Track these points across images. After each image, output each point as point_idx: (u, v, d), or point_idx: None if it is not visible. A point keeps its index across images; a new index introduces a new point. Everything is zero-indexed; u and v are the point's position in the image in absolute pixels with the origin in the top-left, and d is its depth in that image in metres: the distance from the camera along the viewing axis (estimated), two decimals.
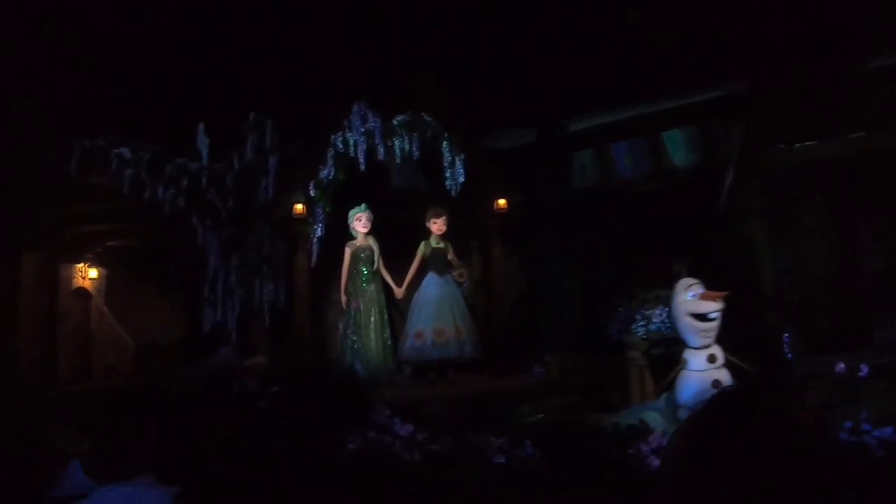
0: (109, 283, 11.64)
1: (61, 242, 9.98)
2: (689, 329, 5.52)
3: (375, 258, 6.67)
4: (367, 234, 6.76)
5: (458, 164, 6.93)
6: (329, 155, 6.77)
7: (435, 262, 6.66)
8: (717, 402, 1.10)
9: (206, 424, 4.55)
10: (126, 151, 6.87)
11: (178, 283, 12.06)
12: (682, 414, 5.15)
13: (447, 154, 6.90)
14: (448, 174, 6.88)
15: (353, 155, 6.72)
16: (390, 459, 4.10)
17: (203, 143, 7.05)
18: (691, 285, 5.56)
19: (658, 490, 1.08)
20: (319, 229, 6.56)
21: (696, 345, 5.50)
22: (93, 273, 11.14)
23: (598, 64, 7.75)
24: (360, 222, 6.63)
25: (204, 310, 7.05)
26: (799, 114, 6.80)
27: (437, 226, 6.74)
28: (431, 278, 6.60)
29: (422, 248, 6.74)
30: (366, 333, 6.42)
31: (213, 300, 6.99)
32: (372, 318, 6.50)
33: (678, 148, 8.58)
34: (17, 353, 9.30)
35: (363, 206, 6.72)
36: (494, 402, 5.63)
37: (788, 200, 7.05)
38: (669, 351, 6.08)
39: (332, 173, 6.78)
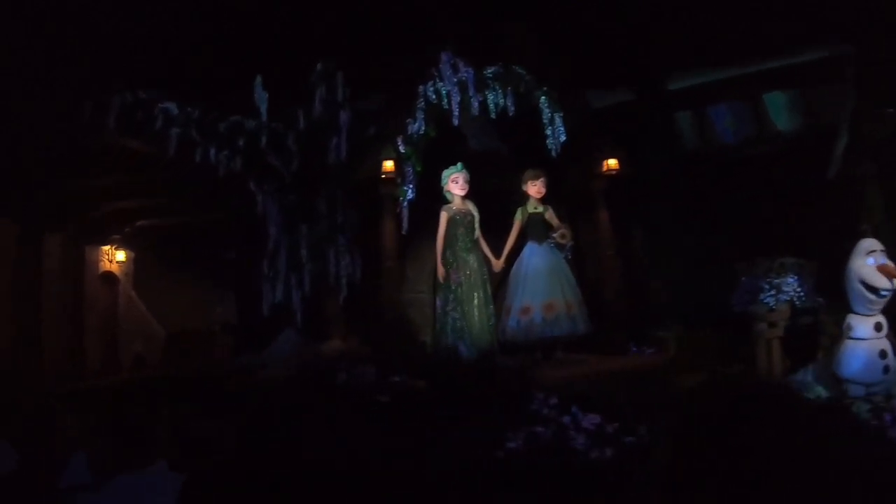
0: (138, 266, 10.31)
1: (87, 222, 8.62)
2: (858, 296, 4.53)
3: (476, 225, 5.54)
4: (465, 197, 5.55)
5: (558, 121, 5.67)
6: (418, 107, 5.46)
7: (534, 228, 5.69)
8: None
9: (306, 421, 3.28)
10: (172, 107, 5.51)
11: (219, 263, 10.87)
12: (854, 390, 4.22)
13: (546, 110, 5.64)
14: (549, 132, 5.61)
15: (445, 107, 5.41)
16: (573, 457, 2.89)
17: (261, 98, 5.70)
18: (872, 251, 4.42)
19: None
20: (410, 191, 5.38)
21: (864, 312, 4.41)
22: (120, 256, 9.79)
23: (698, 19, 6.57)
24: (456, 184, 5.59)
25: (261, 289, 5.74)
26: None
27: (535, 188, 5.73)
28: (532, 248, 5.61)
29: (519, 215, 5.75)
30: (469, 310, 5.34)
31: (274, 278, 5.68)
32: (476, 293, 5.41)
33: (780, 111, 7.44)
34: (40, 343, 7.96)
35: (459, 165, 5.62)
36: (634, 384, 4.41)
37: None
38: (797, 323, 5.33)
39: (423, 128, 5.48)
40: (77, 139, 5.82)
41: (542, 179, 5.80)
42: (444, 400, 3.50)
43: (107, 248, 9.70)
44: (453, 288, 5.49)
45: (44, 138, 6.02)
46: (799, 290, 5.40)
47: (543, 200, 5.91)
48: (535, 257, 5.61)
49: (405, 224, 5.50)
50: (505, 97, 5.68)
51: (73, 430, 3.78)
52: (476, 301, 5.42)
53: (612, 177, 6.05)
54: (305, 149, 5.67)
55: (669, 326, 5.86)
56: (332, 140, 5.63)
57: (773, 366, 5.24)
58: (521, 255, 5.73)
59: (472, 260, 5.60)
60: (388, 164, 5.49)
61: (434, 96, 5.49)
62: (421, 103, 5.50)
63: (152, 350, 10.30)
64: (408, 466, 2.99)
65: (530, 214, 5.84)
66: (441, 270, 5.60)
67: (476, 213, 5.71)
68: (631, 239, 6.30)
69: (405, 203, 5.49)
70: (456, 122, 5.55)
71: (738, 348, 5.58)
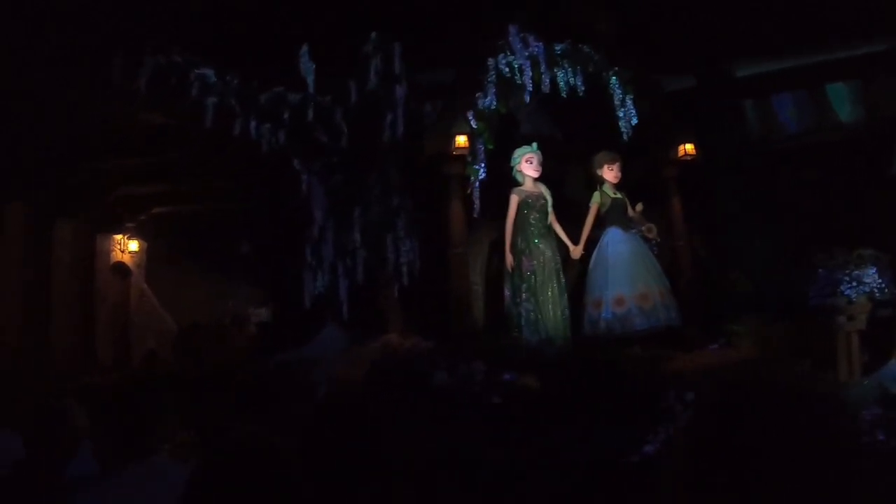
0: (150, 257, 9.53)
1: (101, 208, 7.85)
2: None
3: (549, 209, 5.00)
4: (537, 180, 5.00)
5: (630, 103, 5.06)
6: (489, 80, 4.81)
7: (615, 213, 5.12)
8: None
9: (408, 428, 2.63)
10: (210, 74, 4.79)
11: (232, 256, 10.12)
12: None
13: (617, 91, 5.05)
14: (620, 115, 5.02)
15: (518, 82, 4.78)
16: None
17: (308, 69, 4.99)
18: None
19: None
20: (482, 170, 4.75)
21: None
22: (133, 246, 9.01)
23: (764, 7, 6.08)
24: (530, 164, 5.00)
25: (298, 281, 5.02)
26: None
27: (612, 173, 5.17)
28: (616, 233, 5.04)
29: (597, 198, 5.16)
30: (543, 302, 4.76)
31: (317, 267, 4.96)
32: (550, 283, 4.83)
33: (843, 102, 6.94)
34: (49, 337, 7.16)
35: (534, 145, 5.03)
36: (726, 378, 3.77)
37: None
38: (875, 316, 4.82)
39: (494, 102, 4.83)
40: (101, 108, 5.05)
41: (618, 163, 5.17)
42: (566, 399, 2.82)
43: (119, 237, 8.94)
44: (525, 277, 4.87)
45: (61, 109, 5.25)
46: (879, 281, 4.89)
47: (619, 187, 5.28)
48: (621, 243, 4.99)
49: (477, 206, 4.86)
50: (574, 76, 5.05)
51: (84, 422, 3.20)
52: (550, 291, 4.78)
53: (686, 163, 5.41)
54: (358, 125, 4.96)
55: (745, 320, 5.25)
56: (387, 116, 4.92)
57: (852, 360, 4.70)
58: (601, 241, 5.08)
59: (545, 247, 4.96)
60: (461, 139, 4.80)
61: (507, 69, 4.83)
62: (492, 76, 4.83)
63: (164, 345, 9.53)
64: (543, 477, 2.32)
65: (612, 199, 5.17)
66: (509, 258, 4.95)
67: (549, 197, 5.05)
68: (703, 228, 5.66)
69: (476, 184, 4.82)
70: (528, 98, 4.91)
71: (816, 342, 4.99)
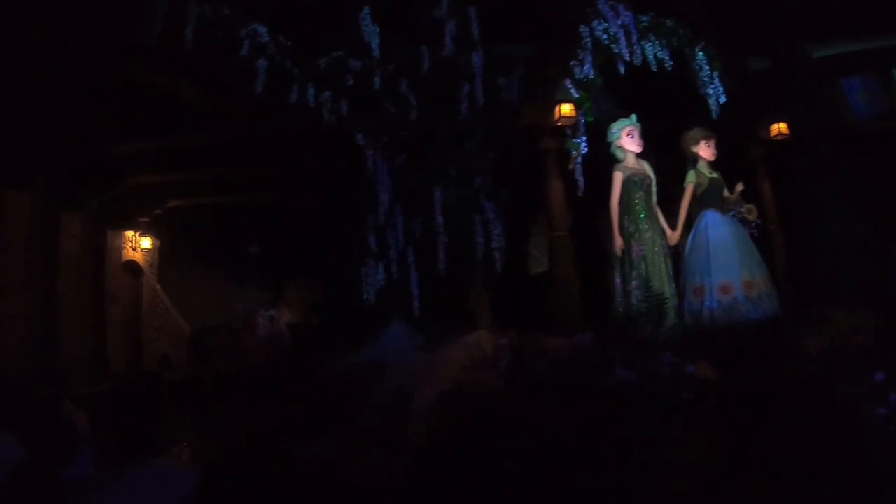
0: (163, 256, 8.57)
1: (111, 200, 6.90)
2: None
3: (654, 188, 4.39)
4: (639, 156, 4.38)
5: (717, 81, 4.45)
6: (585, 47, 4.15)
7: (713, 194, 4.48)
8: None
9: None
10: (263, 30, 3.98)
11: (243, 257, 9.25)
12: None
13: (705, 67, 4.43)
14: (710, 92, 4.40)
15: (616, 51, 4.15)
16: None
17: (371, 32, 4.21)
18: None
19: None
20: (584, 144, 4.20)
21: None
22: (146, 243, 8.06)
23: None
24: (632, 138, 4.36)
25: (354, 275, 4.25)
26: None
27: (709, 150, 4.50)
28: (714, 216, 4.41)
29: (693, 177, 4.48)
30: (658, 288, 4.12)
31: (381, 257, 4.16)
32: (661, 270, 4.21)
33: None
34: (57, 340, 6.19)
35: (633, 117, 4.40)
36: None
37: None
38: None
39: (592, 72, 4.12)
40: (120, 72, 4.20)
41: (714, 140, 4.47)
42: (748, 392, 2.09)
43: (130, 233, 7.98)
44: (635, 263, 4.21)
45: (69, 74, 4.38)
46: None
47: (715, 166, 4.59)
48: (720, 227, 4.33)
49: (581, 184, 4.20)
50: (661, 49, 4.41)
51: (84, 426, 3.15)
52: (660, 279, 4.14)
53: (777, 143, 4.78)
54: (431, 96, 4.18)
55: (838, 308, 4.62)
56: (465, 86, 4.16)
57: None
58: (698, 224, 4.41)
59: (653, 230, 4.31)
60: (567, 108, 4.15)
61: (605, 36, 4.14)
62: (587, 43, 4.13)
63: (177, 349, 8.58)
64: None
65: (709, 179, 4.49)
66: (619, 241, 4.26)
67: (653, 175, 4.34)
68: (792, 212, 5.03)
69: (579, 159, 4.11)
70: (622, 69, 4.22)
71: None
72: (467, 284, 4.14)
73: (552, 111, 4.20)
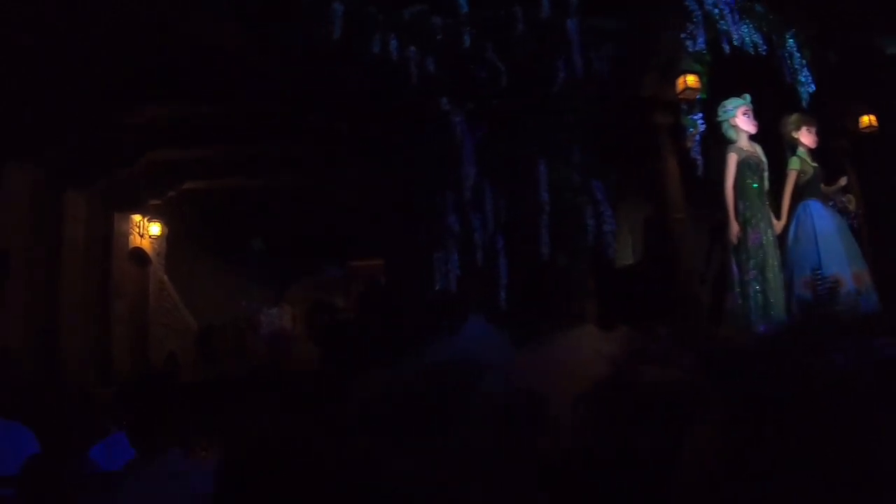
0: (172, 244, 7.79)
1: (122, 178, 6.14)
2: None
3: (766, 174, 4.08)
4: (752, 138, 4.06)
5: (807, 69, 4.07)
6: (694, 19, 3.80)
7: (814, 183, 4.20)
8: None
9: None
10: None
11: (248, 253, 8.55)
12: None
13: (796, 55, 4.05)
14: (802, 79, 4.05)
15: (724, 28, 3.87)
16: None
17: None
18: None
19: None
20: (701, 121, 3.83)
21: None
22: (154, 229, 7.27)
23: None
24: (747, 118, 4.04)
25: (435, 257, 3.67)
26: None
27: (811, 136, 4.20)
28: (817, 206, 4.15)
29: (796, 164, 4.15)
30: (771, 279, 3.84)
31: (462, 240, 3.58)
32: (774, 260, 3.91)
33: None
34: (59, 334, 5.43)
35: (747, 97, 4.07)
36: None
37: None
38: None
39: (704, 46, 3.83)
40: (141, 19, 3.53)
41: (815, 127, 4.15)
42: None
43: (138, 217, 7.21)
44: (752, 252, 3.86)
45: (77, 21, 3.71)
46: None
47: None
48: (825, 219, 4.05)
49: (700, 163, 3.80)
50: (754, 33, 4.04)
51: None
52: (773, 270, 3.82)
53: (865, 135, 4.47)
54: (526, 61, 3.60)
55: None
56: (563, 53, 3.60)
57: None
58: (800, 214, 4.11)
59: (766, 217, 3.97)
60: (692, 79, 3.75)
61: (717, 10, 3.72)
62: (698, 16, 3.71)
63: (185, 347, 7.83)
64: None
65: (812, 168, 4.12)
66: (735, 228, 3.90)
67: (765, 160, 3.99)
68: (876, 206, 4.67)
69: (698, 137, 3.73)
70: (727, 48, 3.81)
71: None
72: (569, 273, 3.56)
73: (672, 83, 3.81)
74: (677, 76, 3.75)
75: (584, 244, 3.52)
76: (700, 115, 3.79)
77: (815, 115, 4.41)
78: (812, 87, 4.28)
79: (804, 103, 4.31)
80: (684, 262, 3.74)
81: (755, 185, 3.93)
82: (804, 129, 4.23)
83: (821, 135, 4.56)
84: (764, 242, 3.87)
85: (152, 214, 7.03)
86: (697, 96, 3.81)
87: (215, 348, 8.11)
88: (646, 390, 2.33)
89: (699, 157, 3.78)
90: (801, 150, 4.29)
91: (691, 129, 3.81)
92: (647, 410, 2.28)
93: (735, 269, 3.85)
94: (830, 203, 4.26)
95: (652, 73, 3.82)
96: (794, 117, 4.37)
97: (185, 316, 7.83)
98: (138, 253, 7.06)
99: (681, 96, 3.78)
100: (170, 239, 7.58)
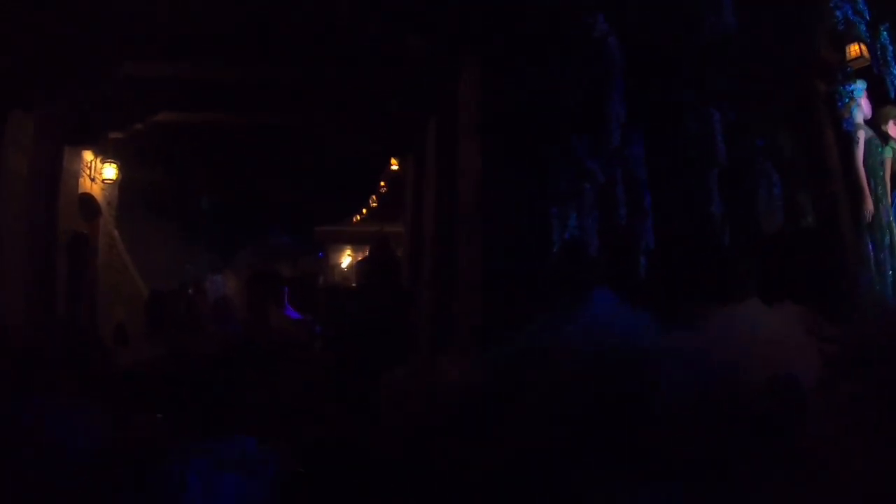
0: (123, 191, 6.39)
1: (82, 100, 4.82)
2: None
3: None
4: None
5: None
6: None
7: None
8: None
9: None
10: None
11: (195, 213, 7.40)
12: None
13: (889, 48, 3.94)
14: (894, 72, 3.90)
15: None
16: None
17: None
18: None
19: None
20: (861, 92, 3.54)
21: None
22: (109, 172, 5.89)
23: None
24: (867, 101, 3.90)
25: (554, 215, 3.11)
26: None
27: None
28: None
29: (890, 153, 3.99)
30: None
31: (588, 204, 3.03)
32: None
33: None
34: None
35: (863, 82, 3.87)
36: None
37: None
38: None
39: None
40: None
41: None
42: None
43: (90, 156, 5.80)
44: (885, 228, 3.67)
45: None
46: None
47: None
48: None
49: (860, 152, 3.53)
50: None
51: None
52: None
53: None
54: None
55: None
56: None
57: None
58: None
59: (892, 196, 3.73)
60: (857, 48, 3.44)
61: None
62: None
63: (133, 315, 6.57)
64: None
65: None
66: (870, 205, 3.65)
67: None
68: None
69: (854, 109, 3.45)
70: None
71: None
72: (733, 243, 3.06)
73: (841, 50, 3.48)
74: (848, 43, 3.43)
75: (753, 211, 3.04)
76: (862, 84, 3.45)
77: None
78: None
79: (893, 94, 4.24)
80: (846, 237, 3.40)
81: (882, 165, 3.72)
82: (891, 122, 4.21)
83: None
84: (892, 220, 3.67)
85: (107, 153, 5.73)
86: (866, 65, 3.50)
87: (164, 319, 7.01)
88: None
89: (853, 130, 3.44)
90: (893, 143, 4.25)
91: (847, 100, 3.54)
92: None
93: (870, 246, 3.63)
94: None
95: (823, 37, 3.44)
96: (886, 110, 4.29)
97: (136, 281, 6.57)
98: (87, 200, 5.72)
99: (852, 64, 3.50)
100: (122, 185, 6.27)
